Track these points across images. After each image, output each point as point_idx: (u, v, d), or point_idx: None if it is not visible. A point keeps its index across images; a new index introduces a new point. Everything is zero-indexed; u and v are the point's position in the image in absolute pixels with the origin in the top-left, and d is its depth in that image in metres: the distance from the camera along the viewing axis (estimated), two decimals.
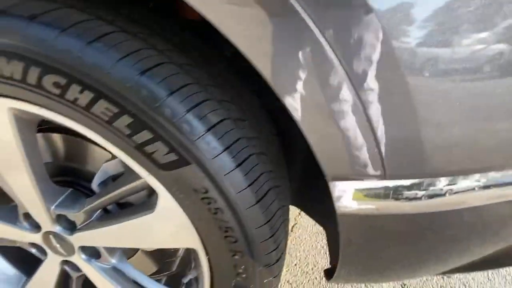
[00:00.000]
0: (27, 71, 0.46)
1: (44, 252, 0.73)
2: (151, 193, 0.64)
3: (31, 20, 0.45)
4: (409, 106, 0.41)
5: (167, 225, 0.57)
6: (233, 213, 0.52)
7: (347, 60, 0.39)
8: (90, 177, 0.69)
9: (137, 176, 0.55)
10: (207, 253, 0.59)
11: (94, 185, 0.65)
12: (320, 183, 0.51)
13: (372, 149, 0.43)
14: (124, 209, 0.66)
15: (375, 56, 0.39)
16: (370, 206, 0.47)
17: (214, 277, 0.62)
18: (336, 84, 0.39)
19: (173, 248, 0.79)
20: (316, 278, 1.15)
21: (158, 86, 0.46)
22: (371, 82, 0.40)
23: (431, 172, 0.43)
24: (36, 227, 0.69)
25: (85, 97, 0.46)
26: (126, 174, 0.59)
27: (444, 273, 0.70)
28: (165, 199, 0.54)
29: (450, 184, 0.45)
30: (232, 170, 0.51)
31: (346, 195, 0.47)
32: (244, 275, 0.59)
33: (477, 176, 0.44)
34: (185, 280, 0.74)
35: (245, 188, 0.52)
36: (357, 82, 0.39)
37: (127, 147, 0.49)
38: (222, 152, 0.50)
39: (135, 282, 0.74)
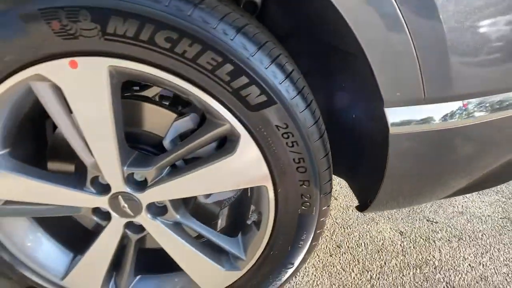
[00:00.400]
0: (142, 29, 0.56)
1: (106, 218, 0.80)
2: (219, 146, 0.75)
3: None
4: (441, 42, 0.59)
5: (244, 165, 0.69)
6: (305, 145, 0.67)
7: (406, 13, 0.56)
8: (149, 139, 0.79)
9: (217, 125, 0.67)
10: (275, 189, 0.72)
11: (166, 142, 0.75)
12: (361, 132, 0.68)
13: (417, 77, 0.60)
14: (197, 160, 0.76)
15: (420, 10, 0.56)
16: (414, 126, 0.65)
17: (278, 212, 0.75)
18: (397, 28, 0.56)
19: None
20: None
21: (251, 40, 0.60)
22: (418, 26, 0.57)
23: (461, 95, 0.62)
24: (103, 191, 0.76)
25: (194, 50, 0.57)
26: (205, 126, 0.70)
27: (448, 196, 0.90)
28: (245, 141, 0.67)
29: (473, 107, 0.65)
30: (304, 109, 0.65)
31: (398, 118, 0.64)
32: (308, 203, 0.73)
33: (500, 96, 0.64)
34: (246, 224, 0.85)
35: (313, 125, 0.67)
36: (410, 26, 0.57)
37: (223, 93, 0.61)
38: (297, 95, 0.64)
39: (195, 237, 0.85)
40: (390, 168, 0.71)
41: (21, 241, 0.86)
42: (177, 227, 0.82)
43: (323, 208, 0.76)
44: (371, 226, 1.40)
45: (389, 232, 1.37)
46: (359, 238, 1.33)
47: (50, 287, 0.90)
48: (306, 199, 0.73)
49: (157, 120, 0.78)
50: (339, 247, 1.29)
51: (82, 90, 0.63)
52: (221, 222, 0.96)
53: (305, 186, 0.71)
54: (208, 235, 0.83)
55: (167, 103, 0.86)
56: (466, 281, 1.17)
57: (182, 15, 0.56)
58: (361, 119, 0.77)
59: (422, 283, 1.16)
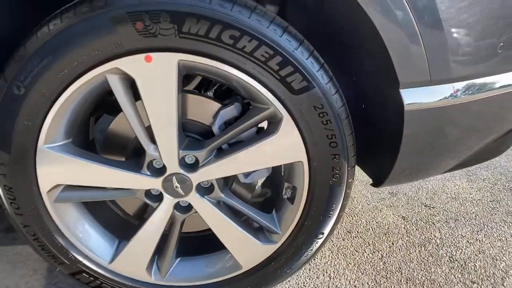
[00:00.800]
0: (211, 28, 0.72)
1: (158, 199, 0.93)
2: (259, 131, 0.91)
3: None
4: (442, 31, 0.78)
5: (285, 143, 0.85)
6: (336, 123, 0.83)
7: (413, 5, 0.74)
8: (195, 127, 0.93)
9: (261, 110, 0.83)
10: (310, 163, 0.88)
11: (215, 128, 0.89)
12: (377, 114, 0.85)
13: (425, 64, 0.79)
14: (239, 143, 0.91)
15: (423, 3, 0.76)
16: (424, 103, 0.83)
17: (312, 185, 0.90)
18: (405, 17, 0.75)
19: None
20: None
21: (294, 37, 0.77)
22: (422, 15, 0.76)
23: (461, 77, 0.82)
24: (158, 173, 0.89)
25: (251, 45, 0.74)
26: (250, 112, 0.85)
27: (450, 170, 1.09)
28: (287, 121, 0.83)
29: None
30: (334, 93, 0.83)
31: (411, 97, 0.82)
32: (338, 175, 0.89)
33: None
34: (280, 201, 1.00)
35: (342, 106, 0.84)
36: (416, 15, 0.75)
37: (272, 80, 0.77)
38: (329, 81, 0.82)
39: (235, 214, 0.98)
40: (404, 143, 0.89)
41: (74, 227, 0.97)
42: (220, 205, 0.96)
43: (349, 180, 0.93)
44: (375, 213, 1.57)
45: (392, 217, 1.54)
46: (367, 224, 1.50)
47: (100, 271, 1.00)
48: (336, 171, 0.89)
49: (202, 110, 0.93)
50: (350, 232, 1.45)
51: (153, 82, 0.77)
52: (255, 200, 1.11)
53: (335, 160, 0.88)
54: (247, 212, 0.97)
55: (210, 95, 1.01)
56: (466, 254, 1.35)
57: (243, 17, 0.73)
58: (376, 103, 0.95)
59: (427, 258, 1.33)
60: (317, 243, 0.99)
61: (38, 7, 0.85)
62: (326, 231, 0.98)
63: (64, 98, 0.78)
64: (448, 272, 1.28)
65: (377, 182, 1.05)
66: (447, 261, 1.33)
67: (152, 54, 0.75)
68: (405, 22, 0.76)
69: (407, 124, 0.85)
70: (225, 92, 1.25)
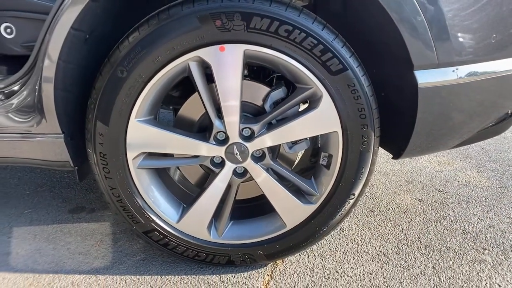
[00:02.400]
0: (271, 24, 0.98)
1: (220, 165, 1.18)
2: (300, 110, 1.16)
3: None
4: (445, 26, 1.03)
5: (324, 116, 1.10)
6: (365, 98, 1.08)
7: (423, 8, 1.01)
8: (247, 107, 1.19)
9: (304, 90, 1.09)
10: (344, 133, 1.12)
11: (267, 106, 1.15)
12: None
13: (431, 47, 1.04)
14: (286, 118, 1.16)
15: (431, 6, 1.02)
16: (434, 81, 1.08)
17: (345, 151, 1.14)
18: (414, 9, 1.01)
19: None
20: None
21: (332, 31, 1.04)
22: (431, 14, 1.02)
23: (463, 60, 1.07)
24: (222, 143, 1.14)
25: (300, 36, 1.00)
26: (295, 92, 1.11)
27: (458, 145, 1.33)
28: (326, 98, 1.08)
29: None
30: (363, 75, 1.08)
31: (425, 77, 1.07)
32: (366, 142, 1.14)
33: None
34: (317, 167, 1.23)
35: (369, 85, 1.10)
36: (421, 7, 1.01)
37: (315, 63, 1.03)
38: (359, 65, 1.07)
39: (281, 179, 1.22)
40: (419, 116, 1.13)
41: (149, 191, 1.21)
42: (270, 171, 1.20)
43: (375, 148, 1.17)
44: (394, 197, 1.79)
45: (410, 200, 1.77)
46: (387, 205, 1.72)
47: (169, 229, 1.24)
48: (365, 139, 1.13)
49: (253, 92, 1.19)
50: (372, 211, 1.67)
51: (225, 67, 1.03)
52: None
53: (364, 129, 1.12)
54: (292, 178, 1.21)
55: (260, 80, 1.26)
56: (478, 228, 1.57)
57: (294, 16, 1.00)
58: (395, 86, 1.20)
59: (443, 231, 1.55)
60: (349, 203, 1.22)
61: (132, 9, 1.13)
62: (357, 192, 1.21)
63: (155, 80, 1.05)
64: (462, 242, 1.49)
65: (396, 154, 1.29)
66: (461, 233, 1.54)
67: (225, 45, 1.01)
68: (418, 19, 1.02)
69: (421, 99, 1.10)
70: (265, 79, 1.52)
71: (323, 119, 1.11)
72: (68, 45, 1.04)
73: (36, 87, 1.12)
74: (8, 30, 1.29)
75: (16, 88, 1.18)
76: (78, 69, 1.13)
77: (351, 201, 1.23)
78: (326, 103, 1.09)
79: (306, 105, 1.18)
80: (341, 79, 1.06)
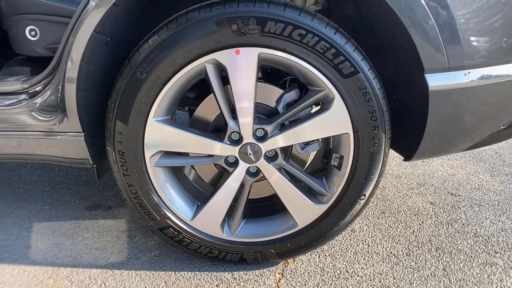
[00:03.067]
0: (285, 28, 1.02)
1: (234, 165, 1.22)
2: (312, 112, 1.19)
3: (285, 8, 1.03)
4: (456, 31, 1.06)
5: (335, 118, 1.13)
6: (376, 101, 1.11)
7: (428, 4, 1.03)
8: (260, 108, 1.23)
9: (317, 92, 1.12)
10: (355, 134, 1.15)
11: (280, 107, 1.19)
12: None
13: (442, 50, 1.06)
14: (299, 119, 1.19)
15: (435, 4, 1.04)
16: (445, 85, 1.10)
17: (356, 152, 1.17)
18: (425, 13, 1.03)
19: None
20: None
21: (344, 35, 1.07)
22: (441, 18, 1.04)
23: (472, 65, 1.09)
24: (236, 143, 1.18)
25: (313, 40, 1.04)
26: (308, 94, 1.14)
27: (469, 148, 1.34)
28: (338, 100, 1.11)
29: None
30: (374, 78, 1.11)
31: (434, 80, 1.09)
32: (377, 144, 1.16)
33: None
34: (328, 168, 1.26)
35: (380, 88, 1.12)
36: (432, 12, 1.04)
37: (327, 66, 1.07)
38: (370, 68, 1.10)
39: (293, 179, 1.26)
40: (430, 119, 1.15)
41: (165, 188, 1.26)
42: (282, 171, 1.24)
43: (386, 150, 1.19)
44: (406, 199, 1.81)
45: (421, 203, 1.78)
46: (398, 207, 1.74)
47: (183, 226, 1.28)
48: (376, 141, 1.16)
49: (267, 94, 1.22)
50: (383, 213, 1.69)
51: (240, 69, 1.08)
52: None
53: (375, 131, 1.15)
54: (304, 178, 1.24)
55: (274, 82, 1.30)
56: (490, 231, 1.57)
57: (307, 21, 1.03)
58: (405, 89, 1.22)
59: (454, 234, 1.56)
60: (360, 204, 1.25)
61: (152, 13, 1.19)
62: (368, 193, 1.24)
63: (173, 81, 1.10)
64: (474, 244, 1.50)
65: (407, 156, 1.31)
66: (472, 236, 1.55)
67: (240, 48, 1.06)
68: (429, 23, 1.04)
69: (431, 102, 1.12)
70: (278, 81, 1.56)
71: (334, 121, 1.15)
72: (90, 48, 1.10)
73: (59, 87, 1.18)
74: (33, 33, 1.35)
75: (39, 88, 1.25)
76: (99, 70, 1.19)
77: (362, 202, 1.25)
78: (338, 105, 1.12)
79: (319, 107, 1.22)
80: (353, 81, 1.09)
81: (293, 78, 1.32)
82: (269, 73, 1.36)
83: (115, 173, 1.23)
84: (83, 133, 1.23)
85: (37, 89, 1.25)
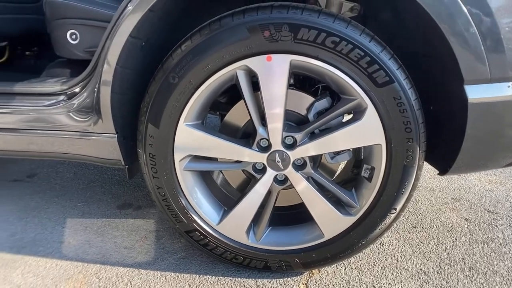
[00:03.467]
0: (318, 35, 0.99)
1: (261, 172, 1.20)
2: (345, 119, 1.16)
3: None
4: (500, 39, 0.99)
5: (368, 128, 1.09)
6: (411, 112, 1.06)
7: (470, 11, 0.97)
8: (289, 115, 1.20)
9: (349, 101, 1.08)
10: (388, 146, 1.10)
11: (310, 116, 1.16)
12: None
13: (484, 61, 1.00)
14: (329, 128, 1.16)
15: (478, 11, 0.98)
16: (485, 96, 1.03)
17: (388, 164, 1.12)
18: (466, 21, 0.97)
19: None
20: None
21: (379, 43, 1.03)
22: (484, 27, 0.98)
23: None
24: (264, 150, 1.16)
25: (347, 48, 1.00)
26: (340, 103, 1.11)
27: (510, 164, 1.25)
28: (371, 110, 1.07)
29: None
30: (410, 88, 1.06)
31: (475, 92, 1.02)
32: (411, 157, 1.11)
33: None
34: (359, 179, 1.22)
35: (415, 99, 1.07)
36: (474, 19, 0.97)
37: (361, 75, 1.03)
38: (406, 78, 1.05)
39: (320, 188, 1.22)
40: (468, 134, 1.08)
41: (194, 192, 1.26)
42: (310, 180, 1.21)
43: (420, 163, 1.13)
44: (439, 214, 1.72)
45: (456, 218, 1.68)
46: (431, 222, 1.66)
47: (209, 230, 1.27)
48: (409, 153, 1.11)
49: (297, 102, 1.20)
50: (415, 227, 1.62)
51: (271, 76, 1.06)
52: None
53: (409, 143, 1.09)
54: (332, 188, 1.20)
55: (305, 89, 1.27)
56: None
57: (342, 28, 1.00)
58: (443, 100, 1.16)
59: (490, 254, 1.46)
60: (390, 217, 1.19)
61: (186, 18, 1.19)
62: (399, 206, 1.18)
63: (204, 87, 1.09)
64: (511, 266, 1.40)
65: (442, 171, 1.24)
66: (510, 257, 1.44)
67: (272, 55, 1.04)
68: (470, 32, 0.98)
69: (470, 115, 1.06)
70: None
71: (367, 131, 1.10)
72: (125, 52, 1.12)
73: (95, 89, 1.21)
74: (73, 36, 1.40)
75: (77, 89, 1.28)
76: (134, 74, 1.20)
77: (392, 216, 1.19)
78: (371, 115, 1.08)
79: (350, 116, 1.18)
80: (387, 91, 1.04)
81: (325, 85, 1.29)
82: (300, 80, 1.33)
83: (145, 175, 1.24)
84: (116, 135, 1.25)
85: (75, 90, 1.29)
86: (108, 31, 1.14)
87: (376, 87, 1.04)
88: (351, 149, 1.21)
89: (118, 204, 1.84)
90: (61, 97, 1.31)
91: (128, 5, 1.08)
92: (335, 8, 1.31)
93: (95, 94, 1.21)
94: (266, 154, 1.17)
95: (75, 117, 1.27)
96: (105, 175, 2.13)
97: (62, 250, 1.51)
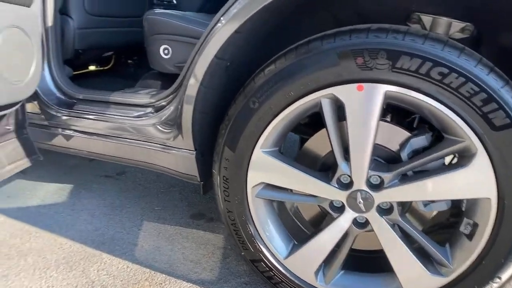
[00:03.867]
0: (422, 65, 0.84)
1: (339, 211, 1.06)
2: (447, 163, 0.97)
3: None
4: None
5: (474, 178, 0.89)
6: None
7: None
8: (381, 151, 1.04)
9: (454, 142, 0.90)
10: (500, 201, 0.89)
11: (404, 154, 1.00)
12: None
13: None
14: (424, 171, 0.99)
15: None
16: None
17: (497, 223, 0.90)
18: None
19: None
20: None
21: (500, 76, 0.83)
22: None
23: None
24: (344, 187, 1.03)
25: (458, 81, 0.83)
26: (442, 143, 0.93)
27: None
28: (481, 156, 0.87)
29: None
30: None
31: None
32: None
33: None
34: (456, 234, 1.02)
35: None
36: None
37: (473, 114, 0.84)
38: None
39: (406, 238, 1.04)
40: None
41: (263, 221, 1.17)
42: (396, 227, 1.04)
43: None
44: None
45: None
46: None
47: (275, 264, 1.18)
48: None
49: (390, 136, 1.04)
50: None
51: (361, 108, 0.92)
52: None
53: None
54: (421, 240, 1.02)
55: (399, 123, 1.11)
56: None
57: (452, 57, 0.83)
58: None
59: None
60: (491, 286, 0.97)
61: (273, 42, 1.12)
62: (505, 276, 0.95)
63: (284, 114, 1.00)
64: None
65: None
66: None
67: (364, 84, 0.91)
68: None
69: None
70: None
71: (473, 181, 0.90)
72: (210, 72, 1.08)
73: (179, 106, 1.20)
74: (166, 51, 1.43)
75: (164, 103, 1.29)
76: (216, 94, 1.17)
77: (495, 285, 0.97)
78: (481, 162, 0.88)
79: (453, 158, 0.98)
80: (507, 136, 0.84)
81: (421, 117, 1.11)
82: (393, 109, 1.16)
83: (217, 196, 1.19)
84: (194, 152, 1.23)
85: (162, 104, 1.30)
86: (196, 49, 1.11)
87: (492, 130, 0.85)
88: None
89: (192, 213, 1.84)
90: (149, 109, 1.34)
91: (217, 24, 1.05)
92: (442, 29, 1.12)
93: (178, 111, 1.21)
94: (347, 192, 1.03)
95: (159, 130, 1.29)
96: (184, 182, 2.17)
97: (135, 253, 1.54)
